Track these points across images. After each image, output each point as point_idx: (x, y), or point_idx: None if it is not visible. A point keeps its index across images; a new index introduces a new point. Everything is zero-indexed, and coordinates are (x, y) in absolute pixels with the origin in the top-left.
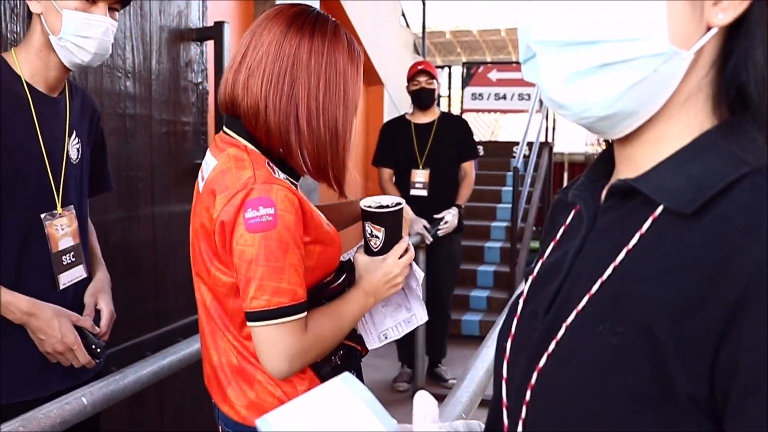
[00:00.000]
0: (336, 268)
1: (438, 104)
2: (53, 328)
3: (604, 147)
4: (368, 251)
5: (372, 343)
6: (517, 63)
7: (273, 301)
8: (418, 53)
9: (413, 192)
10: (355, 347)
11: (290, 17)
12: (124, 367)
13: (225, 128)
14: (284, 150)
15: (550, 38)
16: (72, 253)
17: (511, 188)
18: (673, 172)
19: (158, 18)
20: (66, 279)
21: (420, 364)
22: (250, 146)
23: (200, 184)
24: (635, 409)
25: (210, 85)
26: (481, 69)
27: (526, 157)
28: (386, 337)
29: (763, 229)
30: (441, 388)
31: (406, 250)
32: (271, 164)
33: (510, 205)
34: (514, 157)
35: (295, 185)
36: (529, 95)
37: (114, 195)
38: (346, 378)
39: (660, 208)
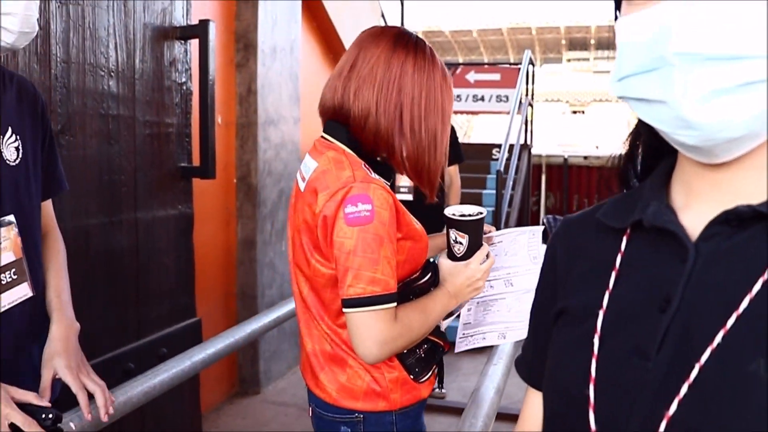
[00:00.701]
0: (422, 267)
1: None
2: None
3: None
4: (451, 256)
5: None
6: (492, 64)
7: (368, 290)
8: None
9: (398, 197)
10: (438, 343)
11: (395, 36)
12: (105, 380)
13: (324, 133)
14: (388, 151)
15: (696, 50)
16: (13, 270)
17: (491, 191)
18: None
19: (142, 15)
20: (6, 300)
21: None
22: (348, 150)
23: (301, 184)
24: None
25: (194, 86)
26: (458, 70)
27: (507, 160)
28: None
29: None
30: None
31: (487, 256)
32: (366, 166)
33: (491, 209)
34: (494, 159)
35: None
36: (507, 97)
37: (95, 199)
38: None
39: None
